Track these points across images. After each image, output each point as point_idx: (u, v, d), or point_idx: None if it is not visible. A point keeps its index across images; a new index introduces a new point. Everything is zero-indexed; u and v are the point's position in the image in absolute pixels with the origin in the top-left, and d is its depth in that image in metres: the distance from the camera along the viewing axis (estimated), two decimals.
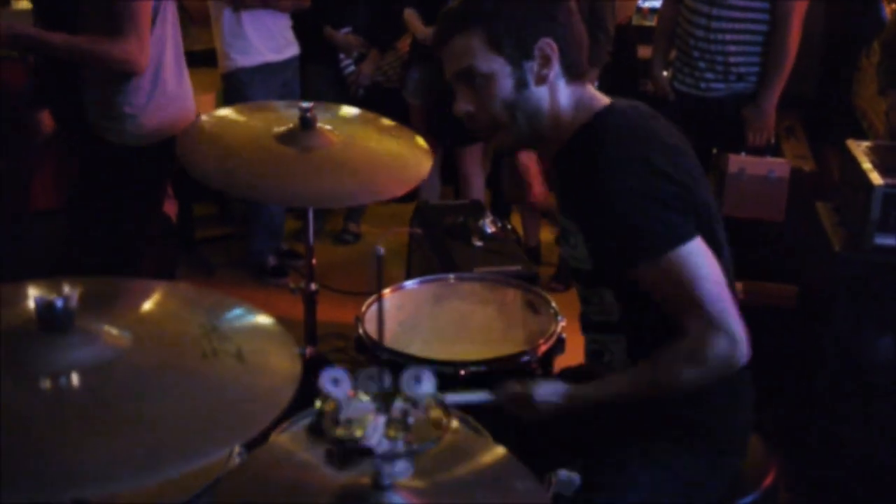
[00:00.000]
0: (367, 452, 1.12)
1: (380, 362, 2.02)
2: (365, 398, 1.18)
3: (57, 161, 3.62)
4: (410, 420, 1.16)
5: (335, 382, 1.15)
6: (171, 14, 2.73)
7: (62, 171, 3.66)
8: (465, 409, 1.73)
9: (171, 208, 3.78)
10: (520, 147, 1.75)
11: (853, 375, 2.54)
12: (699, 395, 1.62)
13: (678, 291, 1.55)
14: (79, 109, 2.71)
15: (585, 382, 1.68)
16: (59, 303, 1.04)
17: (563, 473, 1.85)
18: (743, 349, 1.55)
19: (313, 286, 2.40)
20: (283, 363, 1.10)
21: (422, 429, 1.18)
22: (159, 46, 2.67)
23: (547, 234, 4.37)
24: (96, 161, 2.80)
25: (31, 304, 1.05)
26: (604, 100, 1.71)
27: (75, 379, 1.00)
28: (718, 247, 1.64)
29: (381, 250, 1.21)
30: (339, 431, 1.11)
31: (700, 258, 1.56)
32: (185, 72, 2.86)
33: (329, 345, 3.41)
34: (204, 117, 2.28)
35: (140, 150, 2.69)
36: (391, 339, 2.09)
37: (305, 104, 2.19)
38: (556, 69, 1.65)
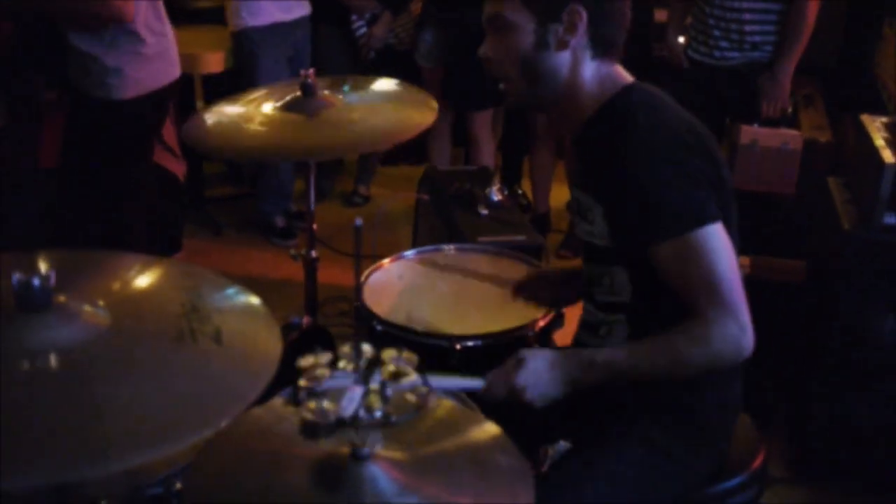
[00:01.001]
0: (341, 423, 1.11)
1: (374, 333, 2.02)
2: (345, 371, 1.18)
3: (64, 119, 3.61)
4: (389, 392, 1.15)
5: (315, 355, 1.14)
6: None
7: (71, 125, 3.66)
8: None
9: (179, 168, 3.77)
10: (525, 105, 1.76)
11: (858, 353, 2.51)
12: (691, 379, 1.61)
13: (695, 273, 1.54)
14: (63, 67, 2.74)
15: (579, 358, 1.65)
16: (37, 282, 1.03)
17: (562, 444, 1.85)
18: (750, 339, 1.54)
19: (314, 253, 2.38)
20: (263, 346, 1.10)
21: (401, 401, 1.17)
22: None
23: (557, 200, 4.34)
24: (81, 118, 2.85)
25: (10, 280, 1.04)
26: (629, 78, 1.70)
27: (51, 360, 1.00)
28: (732, 229, 1.62)
29: (360, 221, 1.18)
30: (313, 403, 1.10)
31: (721, 241, 1.55)
32: (167, 26, 2.88)
33: (334, 308, 3.42)
34: (207, 114, 2.26)
35: (123, 103, 2.72)
36: (390, 309, 2.08)
37: (304, 71, 2.17)
38: (581, 38, 1.63)
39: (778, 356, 2.78)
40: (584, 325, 1.83)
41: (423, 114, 2.20)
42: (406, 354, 1.18)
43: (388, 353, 1.18)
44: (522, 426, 1.65)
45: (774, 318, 2.78)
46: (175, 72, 2.88)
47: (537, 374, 1.61)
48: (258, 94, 2.33)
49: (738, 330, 1.53)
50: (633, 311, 1.70)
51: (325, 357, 1.11)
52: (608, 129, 1.62)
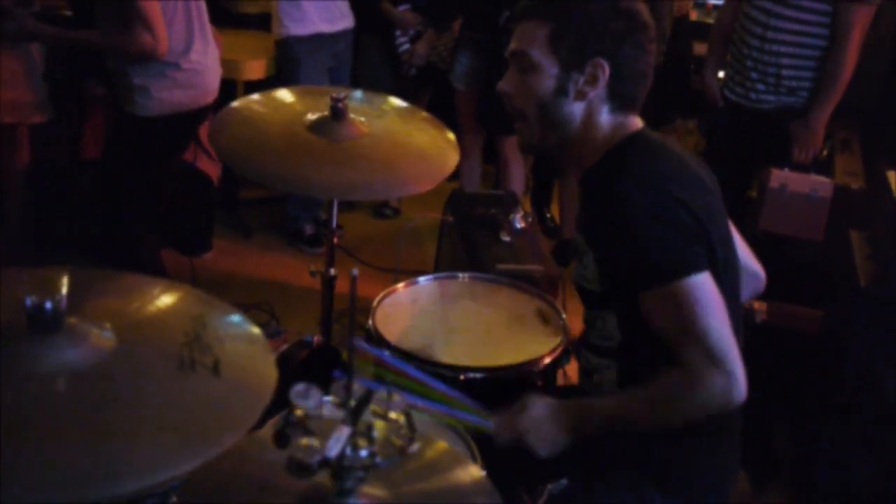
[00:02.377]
0: (325, 464, 1.15)
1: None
2: (335, 409, 1.22)
3: (107, 114, 3.71)
4: (374, 433, 1.19)
5: (304, 395, 1.18)
6: None
7: (111, 123, 3.76)
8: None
9: (214, 169, 3.86)
10: (534, 147, 1.77)
11: (864, 410, 2.51)
12: (683, 432, 1.63)
13: (681, 322, 1.56)
14: (106, 78, 2.89)
15: (578, 407, 1.69)
16: (49, 304, 1.09)
17: (563, 482, 1.89)
18: (740, 388, 1.55)
19: (332, 271, 2.44)
20: (258, 380, 1.14)
21: (387, 443, 1.21)
22: (169, 26, 2.76)
23: None
24: (114, 125, 3.00)
25: (20, 297, 1.10)
26: (637, 125, 1.73)
27: (58, 383, 1.05)
28: (730, 286, 1.64)
29: (356, 272, 1.23)
30: (300, 442, 1.14)
31: (707, 292, 1.57)
32: (210, 46, 2.96)
33: (356, 320, 3.46)
34: (235, 104, 2.30)
35: (147, 121, 2.82)
36: (400, 334, 2.12)
37: (337, 94, 2.21)
38: (600, 91, 1.66)
39: (787, 406, 2.79)
40: (582, 371, 1.87)
41: (445, 161, 2.22)
42: (395, 396, 1.22)
43: (379, 395, 1.22)
44: (527, 462, 1.70)
45: (787, 366, 2.80)
46: (206, 98, 2.96)
47: (538, 421, 1.67)
48: (290, 97, 2.38)
49: (725, 381, 1.54)
50: (621, 356, 1.73)
51: (316, 396, 1.15)
52: (605, 176, 1.65)
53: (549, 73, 1.66)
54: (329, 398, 1.19)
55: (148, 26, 2.63)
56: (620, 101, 1.68)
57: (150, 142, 2.84)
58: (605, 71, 1.64)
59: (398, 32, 4.30)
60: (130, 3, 2.61)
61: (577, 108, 1.67)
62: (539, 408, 1.68)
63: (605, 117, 1.69)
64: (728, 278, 1.65)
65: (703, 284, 1.56)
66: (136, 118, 2.80)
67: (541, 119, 1.69)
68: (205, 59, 2.89)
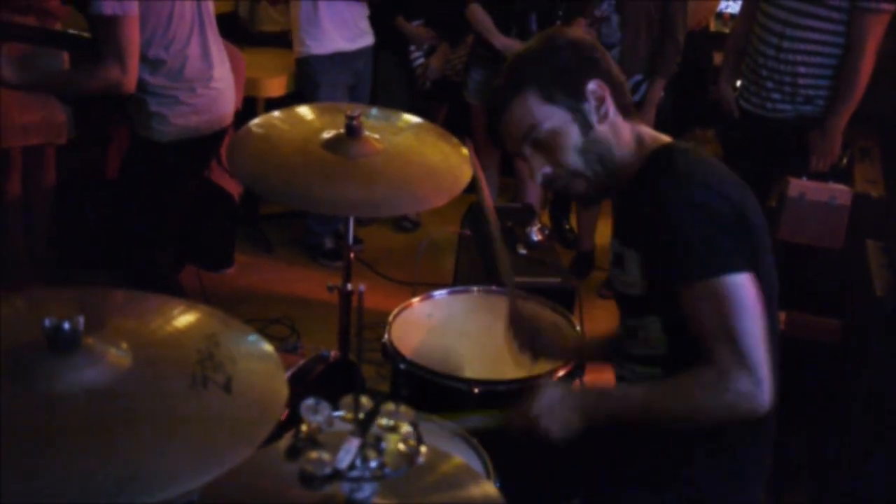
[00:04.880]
0: (337, 476, 1.18)
1: (397, 371, 2.09)
2: (344, 422, 1.25)
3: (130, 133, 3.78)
4: (383, 445, 1.21)
5: (314, 409, 1.21)
6: (189, 12, 2.79)
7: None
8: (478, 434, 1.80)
9: (236, 188, 3.91)
10: (601, 195, 1.76)
11: (883, 418, 2.50)
12: (711, 452, 1.63)
13: (717, 320, 1.55)
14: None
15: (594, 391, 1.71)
16: (67, 325, 1.13)
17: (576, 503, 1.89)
18: (765, 394, 1.54)
19: (349, 286, 2.47)
20: (270, 397, 1.17)
21: (396, 455, 1.24)
22: (179, 45, 2.76)
23: (602, 238, 4.37)
24: (130, 150, 3.02)
25: (39, 318, 1.14)
26: (666, 137, 1.76)
27: (75, 401, 1.09)
28: (770, 286, 1.65)
29: (363, 288, 1.26)
30: (311, 455, 1.17)
31: (747, 292, 1.56)
32: (226, 70, 2.96)
33: (373, 333, 3.50)
34: (254, 122, 2.34)
35: (163, 146, 2.82)
36: (416, 348, 2.15)
37: (352, 112, 2.24)
38: (612, 106, 1.69)
39: (806, 415, 2.78)
40: (619, 381, 1.86)
41: (458, 177, 2.24)
42: (403, 408, 1.25)
43: (387, 407, 1.25)
44: (542, 480, 1.71)
45: (805, 376, 2.79)
46: (222, 122, 2.96)
47: (551, 401, 1.67)
48: (308, 115, 2.41)
49: (752, 385, 1.53)
50: (669, 362, 1.71)
51: (325, 410, 1.18)
52: (648, 182, 1.66)
53: (565, 123, 1.67)
54: (338, 413, 1.22)
55: (120, 58, 2.54)
56: (624, 108, 1.71)
57: (166, 166, 2.87)
58: (604, 86, 1.68)
59: (412, 47, 4.35)
60: (110, 28, 2.52)
61: (606, 131, 1.69)
62: (552, 391, 1.69)
63: (624, 128, 1.72)
64: (766, 286, 1.64)
65: (744, 285, 1.56)
66: (153, 143, 2.82)
67: (590, 162, 1.69)
68: (221, 84, 2.91)
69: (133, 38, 2.56)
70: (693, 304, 1.58)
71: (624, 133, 1.71)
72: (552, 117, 1.67)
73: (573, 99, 1.67)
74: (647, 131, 1.76)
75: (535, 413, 1.66)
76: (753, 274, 1.57)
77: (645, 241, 1.67)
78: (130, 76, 2.58)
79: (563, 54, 1.68)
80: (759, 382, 1.53)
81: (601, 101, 1.67)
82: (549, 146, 1.69)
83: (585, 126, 1.67)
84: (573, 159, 1.69)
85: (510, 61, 1.75)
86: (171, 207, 2.99)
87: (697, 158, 1.68)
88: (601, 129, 1.68)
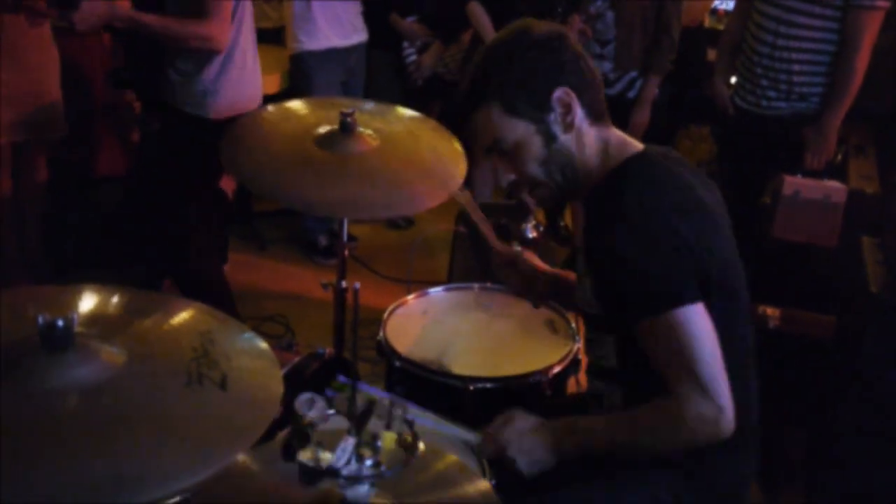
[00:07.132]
0: (334, 473, 1.18)
1: (392, 368, 2.09)
2: (340, 420, 1.25)
3: (120, 130, 3.77)
4: (379, 444, 1.21)
5: (310, 405, 1.21)
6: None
7: (125, 140, 3.81)
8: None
9: (229, 184, 3.89)
10: (561, 200, 1.78)
11: (878, 414, 2.50)
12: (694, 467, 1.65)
13: (672, 352, 1.57)
14: (161, 84, 2.96)
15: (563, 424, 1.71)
16: (61, 323, 1.11)
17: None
18: (728, 421, 1.56)
19: (344, 284, 2.46)
20: (265, 394, 1.16)
21: (392, 453, 1.24)
22: (237, 27, 2.90)
23: None
24: (171, 129, 3.07)
25: (32, 315, 1.13)
26: (636, 146, 1.73)
27: (69, 399, 1.08)
28: (731, 310, 1.64)
29: (357, 286, 1.26)
30: (308, 453, 1.17)
31: (699, 324, 1.57)
32: (256, 54, 3.11)
33: (367, 331, 3.49)
34: (247, 117, 2.33)
35: (211, 122, 2.90)
36: (411, 345, 2.14)
37: (346, 108, 2.22)
38: (579, 113, 1.67)
39: (800, 411, 2.78)
40: (591, 396, 1.88)
41: (453, 174, 2.20)
42: (397, 406, 1.25)
43: (382, 404, 1.25)
44: (535, 478, 1.71)
45: (800, 372, 2.79)
46: (258, 97, 3.10)
47: (521, 433, 1.69)
48: (304, 109, 2.39)
49: (713, 411, 1.55)
50: (624, 380, 1.74)
51: (320, 406, 1.18)
52: (605, 202, 1.65)
53: (528, 135, 1.67)
54: (333, 410, 1.22)
55: (220, 14, 2.75)
56: (594, 111, 1.69)
57: (209, 141, 2.86)
58: (571, 94, 1.65)
59: (406, 44, 4.34)
60: None
61: (570, 141, 1.68)
62: (522, 421, 1.70)
63: (588, 133, 1.69)
64: (729, 303, 1.64)
65: (695, 316, 1.56)
66: (201, 119, 2.90)
67: (551, 173, 1.69)
68: (257, 60, 3.08)
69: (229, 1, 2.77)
70: (647, 340, 1.60)
71: (589, 141, 1.69)
72: (515, 130, 1.66)
73: (538, 110, 1.65)
74: (615, 137, 1.73)
75: (504, 441, 1.68)
76: (705, 302, 1.57)
77: (597, 267, 1.69)
78: (226, 35, 2.80)
79: (529, 56, 1.65)
80: (721, 409, 1.55)
81: (567, 108, 1.65)
82: (512, 157, 1.70)
83: (549, 137, 1.66)
84: (535, 170, 1.69)
85: (476, 62, 1.72)
86: (215, 191, 3.05)
87: (656, 179, 1.65)
88: (565, 138, 1.67)
